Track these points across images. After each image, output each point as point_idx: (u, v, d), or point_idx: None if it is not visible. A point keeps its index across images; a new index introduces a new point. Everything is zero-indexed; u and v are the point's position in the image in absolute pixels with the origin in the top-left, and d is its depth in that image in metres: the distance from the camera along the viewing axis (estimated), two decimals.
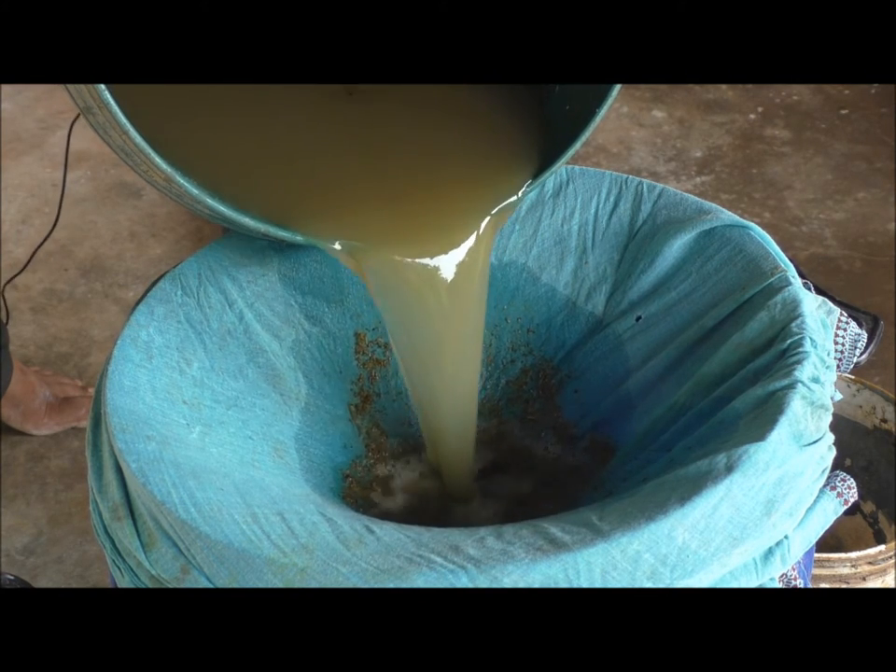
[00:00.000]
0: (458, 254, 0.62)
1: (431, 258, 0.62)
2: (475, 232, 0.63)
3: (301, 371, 0.69)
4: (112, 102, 0.50)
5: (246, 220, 0.58)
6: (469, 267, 0.63)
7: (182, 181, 0.55)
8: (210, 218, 0.62)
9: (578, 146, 0.63)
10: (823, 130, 1.76)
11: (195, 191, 0.56)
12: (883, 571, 0.86)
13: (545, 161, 0.66)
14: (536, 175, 0.65)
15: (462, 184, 0.66)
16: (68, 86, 0.53)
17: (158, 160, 0.53)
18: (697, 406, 0.61)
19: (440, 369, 0.66)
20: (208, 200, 0.57)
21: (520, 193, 0.65)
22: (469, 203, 0.64)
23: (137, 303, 0.64)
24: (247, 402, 0.64)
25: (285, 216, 0.61)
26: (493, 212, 0.64)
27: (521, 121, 0.68)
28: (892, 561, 0.86)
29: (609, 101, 0.61)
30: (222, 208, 0.57)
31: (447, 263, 0.62)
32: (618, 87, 0.61)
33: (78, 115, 0.61)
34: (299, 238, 0.61)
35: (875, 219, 1.55)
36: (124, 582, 0.52)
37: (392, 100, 0.68)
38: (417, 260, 0.62)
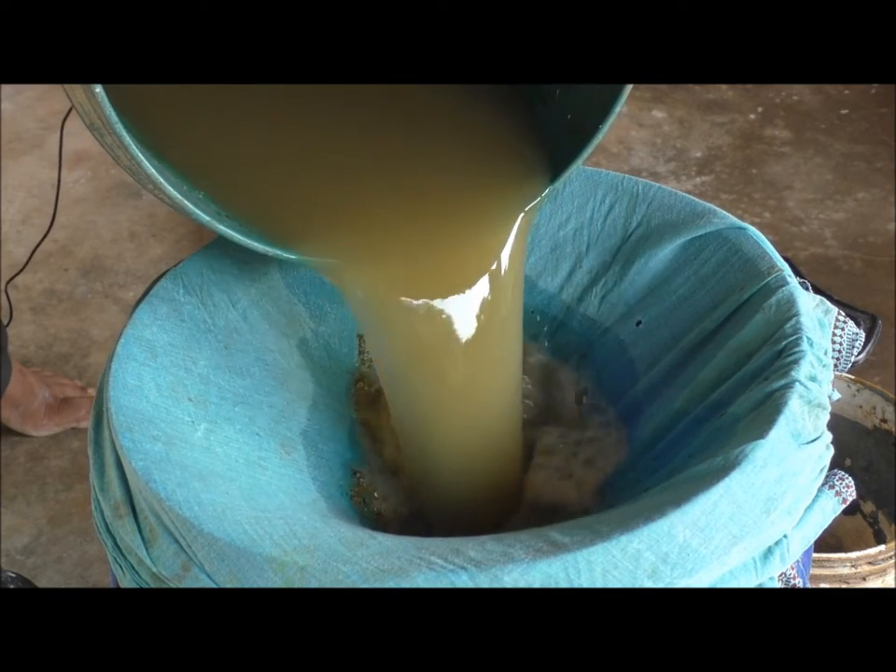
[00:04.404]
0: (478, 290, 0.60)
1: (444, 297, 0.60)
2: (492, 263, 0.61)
3: (309, 369, 0.68)
4: (124, 133, 0.49)
5: (255, 245, 0.58)
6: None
7: (192, 207, 0.54)
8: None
9: (579, 161, 0.63)
10: (823, 130, 1.76)
11: (206, 218, 0.55)
12: (883, 571, 0.86)
13: (548, 172, 0.65)
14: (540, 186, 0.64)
15: (466, 198, 0.64)
16: (75, 104, 0.52)
17: (168, 187, 0.52)
18: (694, 411, 0.60)
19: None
20: (218, 226, 0.56)
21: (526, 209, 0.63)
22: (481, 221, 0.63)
23: (138, 302, 0.63)
24: (255, 400, 0.63)
25: (291, 240, 0.60)
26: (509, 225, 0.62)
27: (521, 134, 0.67)
28: (892, 561, 0.86)
29: (612, 117, 0.60)
30: (231, 231, 0.56)
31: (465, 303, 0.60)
32: (625, 95, 0.60)
33: (70, 110, 0.60)
34: (308, 263, 0.60)
35: (875, 219, 1.55)
36: (125, 580, 0.52)
37: (385, 112, 0.66)
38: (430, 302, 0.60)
